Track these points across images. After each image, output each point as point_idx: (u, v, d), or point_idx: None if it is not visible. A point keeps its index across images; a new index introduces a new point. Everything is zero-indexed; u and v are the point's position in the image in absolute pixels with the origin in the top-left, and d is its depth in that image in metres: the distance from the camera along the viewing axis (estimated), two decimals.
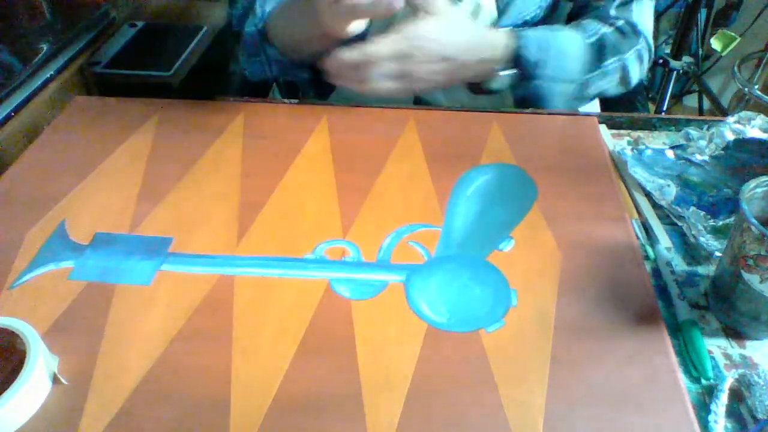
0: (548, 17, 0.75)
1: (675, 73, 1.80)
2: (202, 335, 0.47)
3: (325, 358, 0.46)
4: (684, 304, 0.50)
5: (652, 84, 2.11)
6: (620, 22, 0.72)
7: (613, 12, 0.73)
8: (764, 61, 1.49)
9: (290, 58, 0.71)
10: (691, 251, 0.56)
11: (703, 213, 0.58)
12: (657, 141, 0.71)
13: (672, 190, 0.61)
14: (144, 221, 0.57)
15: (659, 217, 0.59)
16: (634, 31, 0.73)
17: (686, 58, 1.83)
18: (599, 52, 0.70)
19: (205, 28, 1.25)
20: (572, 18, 0.76)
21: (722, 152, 0.65)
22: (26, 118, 0.75)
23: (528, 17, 0.73)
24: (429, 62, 0.62)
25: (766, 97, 1.39)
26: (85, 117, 0.72)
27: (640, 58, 0.73)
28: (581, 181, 0.62)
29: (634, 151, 0.66)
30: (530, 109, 0.72)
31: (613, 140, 0.70)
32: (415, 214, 0.58)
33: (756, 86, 1.48)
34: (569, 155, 0.66)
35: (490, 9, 0.71)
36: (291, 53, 0.71)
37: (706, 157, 0.65)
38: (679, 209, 0.59)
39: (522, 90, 0.70)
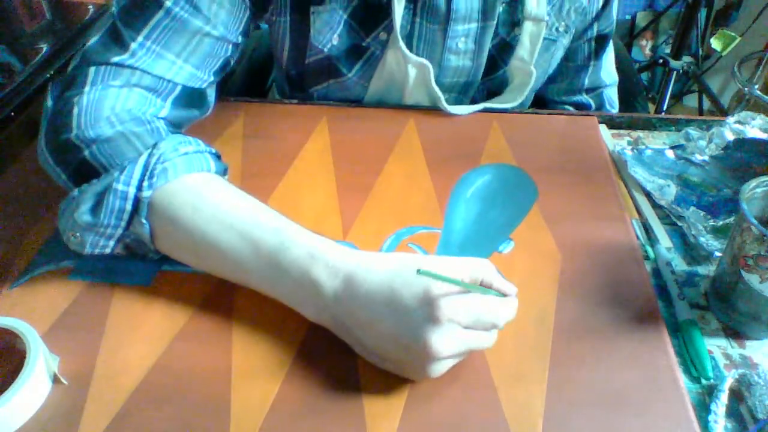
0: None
1: (675, 73, 1.80)
2: (202, 335, 0.47)
3: (325, 359, 0.46)
4: (684, 304, 0.50)
5: (652, 84, 2.11)
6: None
7: (587, 82, 0.82)
8: (764, 61, 1.49)
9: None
10: (691, 251, 0.56)
11: (703, 213, 0.58)
12: (657, 141, 0.71)
13: (672, 190, 0.61)
14: None
15: (659, 217, 0.59)
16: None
17: (686, 58, 1.83)
18: None
19: None
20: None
21: (722, 152, 0.65)
22: (26, 118, 0.75)
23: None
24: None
25: (766, 97, 1.38)
26: None
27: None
28: (581, 181, 0.62)
29: (634, 151, 0.66)
30: (530, 109, 0.72)
31: (613, 140, 0.70)
32: (415, 215, 0.58)
33: (756, 86, 1.48)
34: (569, 155, 0.66)
35: None
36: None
37: (706, 157, 0.65)
38: (679, 209, 0.59)
39: None
